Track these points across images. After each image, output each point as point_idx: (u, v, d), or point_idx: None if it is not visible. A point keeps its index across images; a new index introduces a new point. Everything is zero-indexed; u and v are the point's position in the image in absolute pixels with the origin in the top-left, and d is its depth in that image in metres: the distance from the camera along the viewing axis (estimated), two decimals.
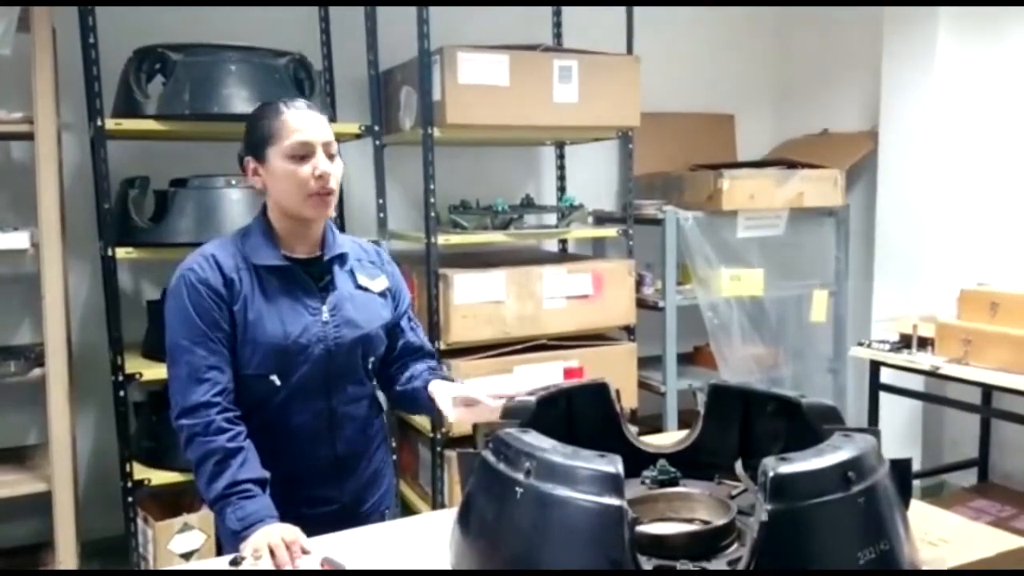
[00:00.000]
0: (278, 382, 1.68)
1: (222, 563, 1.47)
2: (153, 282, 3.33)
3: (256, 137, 1.69)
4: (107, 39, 2.85)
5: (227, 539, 1.62)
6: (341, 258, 1.79)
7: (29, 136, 2.65)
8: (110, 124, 2.81)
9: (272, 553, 1.47)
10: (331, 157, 1.69)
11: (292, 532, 1.53)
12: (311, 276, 1.73)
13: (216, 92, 2.85)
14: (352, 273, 1.80)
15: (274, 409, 1.71)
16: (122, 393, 2.88)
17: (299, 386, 1.70)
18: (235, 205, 2.90)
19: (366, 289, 1.80)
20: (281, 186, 1.68)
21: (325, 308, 1.72)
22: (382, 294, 1.84)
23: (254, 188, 1.75)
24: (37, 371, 2.76)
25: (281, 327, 1.67)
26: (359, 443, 1.82)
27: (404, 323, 1.91)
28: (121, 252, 2.84)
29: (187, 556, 2.82)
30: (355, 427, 1.80)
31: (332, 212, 1.74)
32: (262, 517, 1.56)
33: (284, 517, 1.59)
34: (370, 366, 1.83)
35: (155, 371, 2.88)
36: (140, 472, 2.88)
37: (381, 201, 3.25)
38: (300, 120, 1.67)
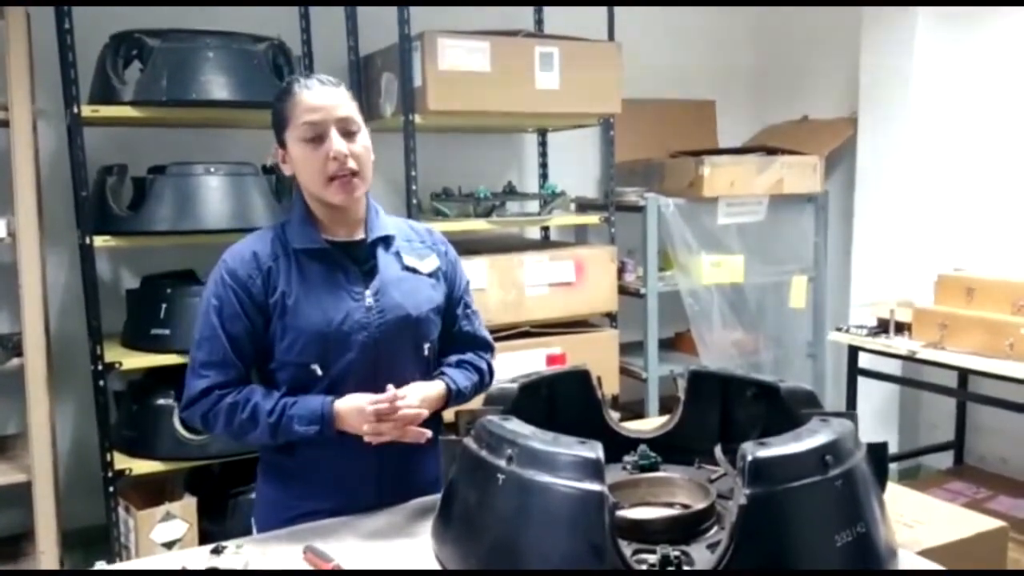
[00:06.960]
0: (319, 371, 1.58)
1: (204, 552, 1.46)
2: (132, 270, 3.30)
3: (276, 123, 1.61)
4: (83, 24, 2.81)
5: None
6: (386, 240, 1.67)
7: (4, 123, 2.61)
8: (87, 111, 2.77)
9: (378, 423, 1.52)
10: (350, 135, 1.59)
11: (361, 400, 1.53)
12: (354, 260, 1.63)
13: (194, 78, 2.82)
14: (398, 255, 1.68)
15: None
16: (102, 382, 2.86)
17: (343, 376, 1.59)
18: (214, 192, 2.87)
19: (414, 270, 1.69)
20: (301, 172, 1.60)
21: (368, 293, 1.61)
22: (432, 275, 1.72)
23: (291, 175, 1.64)
24: (15, 361, 2.74)
25: (322, 313, 1.57)
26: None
27: (459, 310, 1.79)
28: (99, 240, 2.81)
29: (169, 545, 2.82)
30: None
31: (359, 194, 1.61)
32: (321, 402, 1.55)
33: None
34: (426, 353, 1.70)
35: (135, 360, 2.87)
36: (121, 461, 2.87)
37: None
38: (312, 98, 1.56)
